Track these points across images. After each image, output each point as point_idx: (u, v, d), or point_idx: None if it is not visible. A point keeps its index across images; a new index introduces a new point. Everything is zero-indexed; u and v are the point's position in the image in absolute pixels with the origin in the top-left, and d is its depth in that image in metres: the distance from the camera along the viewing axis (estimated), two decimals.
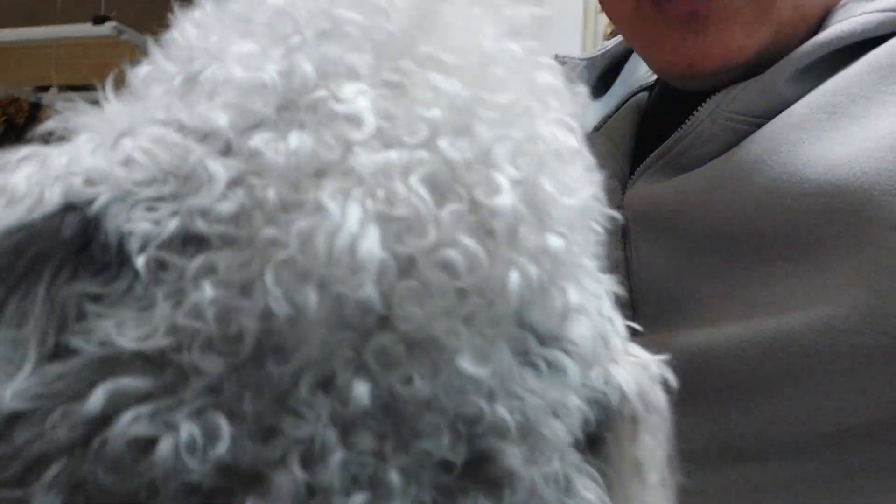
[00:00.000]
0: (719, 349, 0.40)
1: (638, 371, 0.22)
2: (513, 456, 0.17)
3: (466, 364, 0.16)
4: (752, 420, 0.40)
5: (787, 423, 0.39)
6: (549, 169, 0.19)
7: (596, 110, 0.55)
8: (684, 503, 0.40)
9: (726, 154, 0.42)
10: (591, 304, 0.20)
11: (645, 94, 0.54)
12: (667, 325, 0.44)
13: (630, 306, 0.47)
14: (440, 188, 0.17)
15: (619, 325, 0.22)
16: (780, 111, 0.41)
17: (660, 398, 0.23)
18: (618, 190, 0.49)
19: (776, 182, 0.39)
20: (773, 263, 0.39)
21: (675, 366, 0.39)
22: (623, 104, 0.54)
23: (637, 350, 0.24)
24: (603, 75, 0.58)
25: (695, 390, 0.41)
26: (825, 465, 0.39)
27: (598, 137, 0.52)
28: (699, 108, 0.44)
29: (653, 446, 0.22)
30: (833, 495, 0.39)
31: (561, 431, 0.18)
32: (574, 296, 0.19)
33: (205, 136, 0.17)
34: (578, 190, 0.20)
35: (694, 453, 0.40)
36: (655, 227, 0.46)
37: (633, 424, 0.22)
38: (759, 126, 0.42)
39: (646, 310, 0.47)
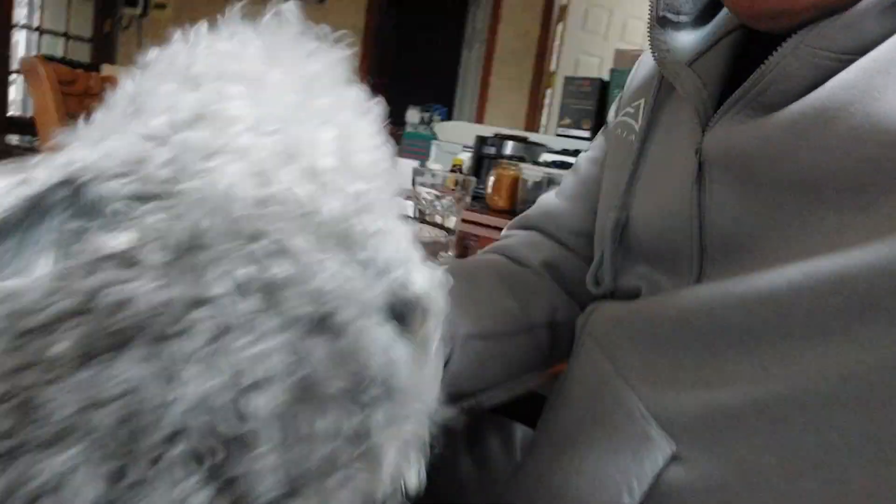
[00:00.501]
0: (778, 292, 0.40)
1: (427, 276, 0.31)
2: (347, 311, 0.27)
3: (315, 256, 0.26)
4: (791, 375, 0.40)
5: (826, 380, 0.38)
6: (355, 140, 0.30)
7: (695, 42, 0.54)
8: (712, 466, 0.43)
9: (810, 97, 0.41)
10: (394, 230, 0.30)
11: (744, 31, 0.52)
12: (732, 270, 0.45)
13: (699, 247, 0.49)
14: (288, 156, 0.28)
15: (412, 248, 0.31)
16: (868, 48, 0.40)
17: (439, 294, 0.32)
18: (697, 131, 0.49)
19: (858, 130, 0.38)
20: (845, 212, 0.39)
21: (734, 314, 0.42)
22: (719, 41, 0.52)
23: (427, 263, 0.32)
24: (709, 5, 0.57)
25: (742, 339, 0.42)
26: (852, 435, 0.38)
27: (687, 73, 0.52)
28: (781, 45, 0.43)
29: (434, 326, 0.31)
30: (860, 464, 0.38)
31: (376, 298, 0.28)
32: (376, 222, 0.29)
33: (152, 138, 0.28)
34: (375, 151, 0.31)
35: (728, 414, 0.42)
36: (731, 171, 0.46)
37: (423, 312, 0.30)
38: (843, 62, 0.40)
39: (714, 253, 0.48)
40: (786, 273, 0.40)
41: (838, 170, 0.39)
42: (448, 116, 4.38)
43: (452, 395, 0.62)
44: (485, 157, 2.01)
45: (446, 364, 0.55)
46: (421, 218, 1.20)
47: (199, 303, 0.25)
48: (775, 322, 0.41)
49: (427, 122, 4.17)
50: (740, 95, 0.46)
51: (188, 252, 0.25)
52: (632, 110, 0.62)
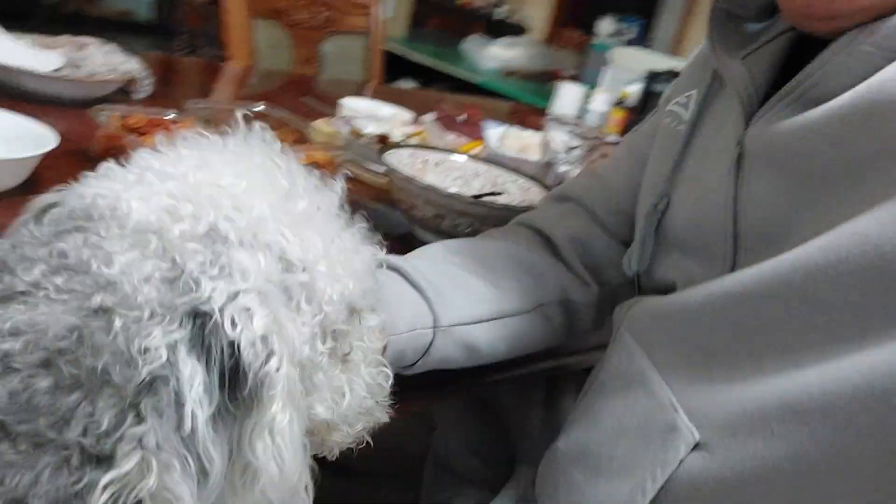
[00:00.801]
0: (805, 271, 0.41)
1: (259, 337, 0.30)
2: (112, 300, 0.29)
3: (108, 249, 0.30)
4: (825, 374, 0.40)
5: (861, 376, 0.38)
6: (222, 185, 0.34)
7: (751, 37, 0.55)
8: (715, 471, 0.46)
9: (858, 90, 0.42)
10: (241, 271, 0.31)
11: (797, 32, 0.53)
12: (766, 256, 0.45)
13: (733, 237, 0.51)
14: (142, 184, 0.33)
15: (253, 304, 0.31)
16: None
17: (282, 370, 0.31)
18: (741, 123, 0.51)
19: None
20: (886, 202, 0.39)
21: (768, 301, 0.43)
22: (773, 39, 0.53)
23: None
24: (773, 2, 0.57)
25: (778, 333, 0.43)
26: (875, 440, 0.38)
27: (738, 66, 0.53)
28: (831, 44, 0.44)
29: (264, 392, 0.30)
30: (880, 472, 0.38)
31: (161, 308, 0.29)
32: (210, 254, 0.31)
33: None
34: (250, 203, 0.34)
35: (756, 409, 0.43)
36: (771, 163, 0.47)
37: (264, 386, 0.30)
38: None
39: (748, 243, 0.50)
40: (809, 248, 0.41)
41: (888, 160, 0.39)
42: (644, 31, 4.08)
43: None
44: (652, 94, 1.89)
45: (427, 351, 0.59)
46: (544, 170, 1.19)
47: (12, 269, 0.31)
48: (809, 313, 0.41)
49: (620, 35, 3.93)
50: (789, 90, 0.47)
51: (49, 236, 0.32)
52: (683, 100, 0.62)
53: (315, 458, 0.37)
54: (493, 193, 0.95)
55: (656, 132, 0.68)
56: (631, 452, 0.53)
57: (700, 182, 0.56)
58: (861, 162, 0.41)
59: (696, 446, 0.47)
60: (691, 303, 0.51)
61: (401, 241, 0.91)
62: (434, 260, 0.65)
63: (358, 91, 1.93)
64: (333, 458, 0.43)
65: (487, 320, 0.64)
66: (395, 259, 0.63)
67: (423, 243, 0.90)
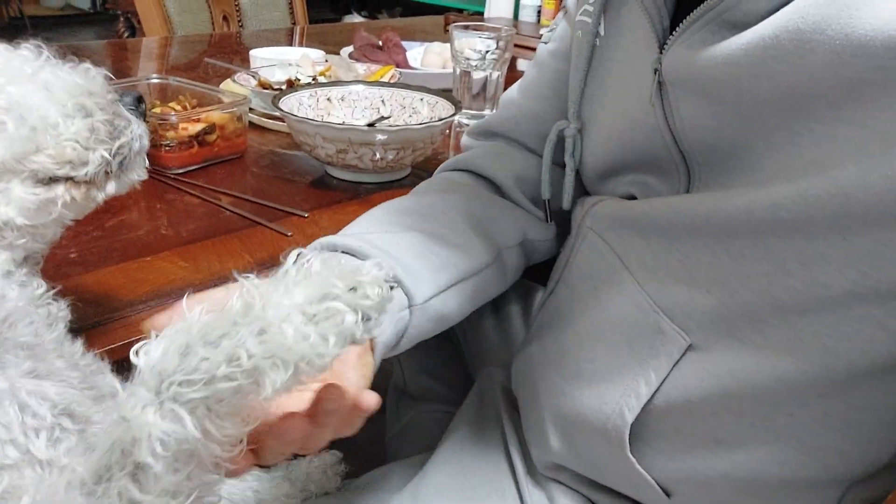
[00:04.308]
0: (777, 206, 0.41)
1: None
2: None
3: None
4: (801, 277, 0.41)
5: (833, 281, 0.40)
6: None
7: None
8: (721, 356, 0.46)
9: (779, 18, 0.40)
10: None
11: None
12: (725, 180, 0.46)
13: (681, 156, 0.49)
14: None
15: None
16: None
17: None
18: (653, 45, 0.50)
19: (840, 54, 0.37)
20: (835, 125, 0.39)
21: (733, 225, 0.44)
22: None
23: None
24: None
25: (753, 245, 0.43)
26: (866, 326, 0.40)
27: None
28: None
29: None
30: (877, 351, 0.40)
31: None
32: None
33: None
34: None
35: (741, 307, 0.44)
36: (698, 92, 0.46)
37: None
38: None
39: (699, 160, 0.48)
40: (781, 189, 0.41)
41: (822, 89, 0.39)
42: None
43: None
44: None
45: (404, 333, 0.55)
46: (464, 81, 1.16)
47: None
48: (787, 228, 0.41)
49: None
50: (703, 11, 0.44)
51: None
52: (590, 7, 0.58)
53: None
54: (381, 119, 0.93)
55: (568, 45, 0.64)
56: (613, 356, 0.52)
57: (621, 108, 0.54)
58: (799, 91, 0.40)
59: (690, 349, 0.47)
60: (664, 211, 0.50)
61: (317, 185, 0.91)
62: (383, 225, 0.60)
63: (288, 38, 1.88)
64: None
65: (454, 285, 0.59)
66: (345, 239, 0.56)
67: (340, 182, 0.91)
